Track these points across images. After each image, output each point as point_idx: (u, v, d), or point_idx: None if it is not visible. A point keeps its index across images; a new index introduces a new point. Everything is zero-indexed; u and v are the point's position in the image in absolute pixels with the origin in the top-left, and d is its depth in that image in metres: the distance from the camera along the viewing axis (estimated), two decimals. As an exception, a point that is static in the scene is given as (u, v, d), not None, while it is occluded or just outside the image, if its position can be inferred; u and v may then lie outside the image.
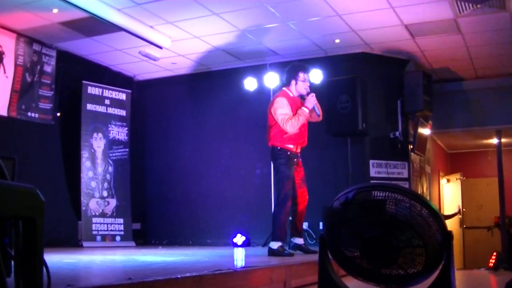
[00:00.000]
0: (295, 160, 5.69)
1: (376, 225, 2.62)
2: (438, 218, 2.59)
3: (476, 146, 13.44)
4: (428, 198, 10.11)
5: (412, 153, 8.90)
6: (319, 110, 5.75)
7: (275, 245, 5.50)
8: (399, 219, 2.58)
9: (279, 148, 5.63)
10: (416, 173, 9.30)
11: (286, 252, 5.46)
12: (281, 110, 5.62)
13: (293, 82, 5.79)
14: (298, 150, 5.73)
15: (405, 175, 8.71)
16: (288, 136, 5.63)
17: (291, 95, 5.80)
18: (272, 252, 5.48)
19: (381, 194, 2.62)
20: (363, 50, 8.60)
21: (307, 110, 5.66)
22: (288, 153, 5.62)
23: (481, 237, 12.68)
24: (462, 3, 6.82)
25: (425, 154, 9.75)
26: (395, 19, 7.39)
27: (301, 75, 5.76)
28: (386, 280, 2.72)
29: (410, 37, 8.04)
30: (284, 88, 5.88)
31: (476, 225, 12.86)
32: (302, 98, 5.82)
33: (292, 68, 5.87)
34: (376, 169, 8.51)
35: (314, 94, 5.73)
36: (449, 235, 2.61)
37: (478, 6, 6.88)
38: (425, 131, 9.21)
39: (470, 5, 6.86)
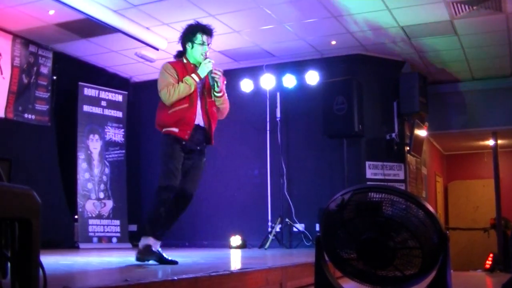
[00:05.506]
0: (184, 148, 4.51)
1: (372, 226, 2.62)
2: (434, 219, 2.59)
3: (472, 148, 13.46)
4: (424, 199, 10.11)
5: (408, 155, 8.90)
6: (221, 83, 4.59)
7: (143, 241, 4.62)
8: (395, 220, 2.58)
9: (162, 132, 4.51)
10: (412, 175, 9.31)
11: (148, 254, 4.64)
12: (160, 77, 4.50)
13: (188, 45, 4.60)
14: (187, 137, 4.48)
15: (401, 176, 8.71)
16: (172, 114, 4.44)
17: (185, 61, 4.63)
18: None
19: (377, 196, 2.62)
20: (359, 51, 8.60)
21: (196, 77, 4.47)
22: (171, 137, 4.44)
23: (477, 238, 12.70)
24: (458, 5, 6.83)
25: (421, 156, 9.76)
26: (391, 21, 7.40)
27: (199, 36, 4.57)
28: (382, 282, 2.72)
29: (406, 39, 8.05)
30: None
31: (472, 227, 12.88)
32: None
33: (189, 28, 4.64)
34: (372, 171, 8.51)
35: (212, 60, 4.59)
36: (445, 236, 2.62)
37: (474, 8, 6.90)
38: (421, 132, 9.21)
39: (466, 7, 6.88)
